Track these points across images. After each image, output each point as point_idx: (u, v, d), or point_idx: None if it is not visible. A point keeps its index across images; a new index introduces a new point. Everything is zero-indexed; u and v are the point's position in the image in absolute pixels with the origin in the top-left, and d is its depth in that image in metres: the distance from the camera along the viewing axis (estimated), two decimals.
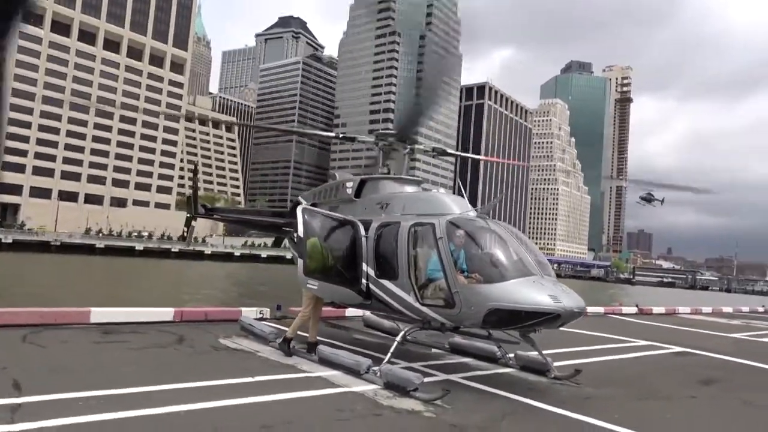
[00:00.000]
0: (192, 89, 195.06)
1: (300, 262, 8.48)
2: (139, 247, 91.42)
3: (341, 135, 10.17)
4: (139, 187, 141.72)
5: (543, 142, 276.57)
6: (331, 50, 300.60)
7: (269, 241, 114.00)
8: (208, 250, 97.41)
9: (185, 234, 15.70)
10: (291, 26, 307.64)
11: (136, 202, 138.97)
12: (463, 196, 8.97)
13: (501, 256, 7.69)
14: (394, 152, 10.19)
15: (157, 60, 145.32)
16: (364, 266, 8.74)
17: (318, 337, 9.36)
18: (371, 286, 8.69)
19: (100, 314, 10.53)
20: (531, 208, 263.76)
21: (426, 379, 7.53)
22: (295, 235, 11.77)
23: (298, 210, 8.71)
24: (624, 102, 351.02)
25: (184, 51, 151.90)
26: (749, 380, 10.40)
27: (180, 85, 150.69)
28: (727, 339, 16.72)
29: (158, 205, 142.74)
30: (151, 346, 8.95)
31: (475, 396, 7.38)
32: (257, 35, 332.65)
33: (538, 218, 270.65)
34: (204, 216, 14.54)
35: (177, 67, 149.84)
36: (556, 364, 8.90)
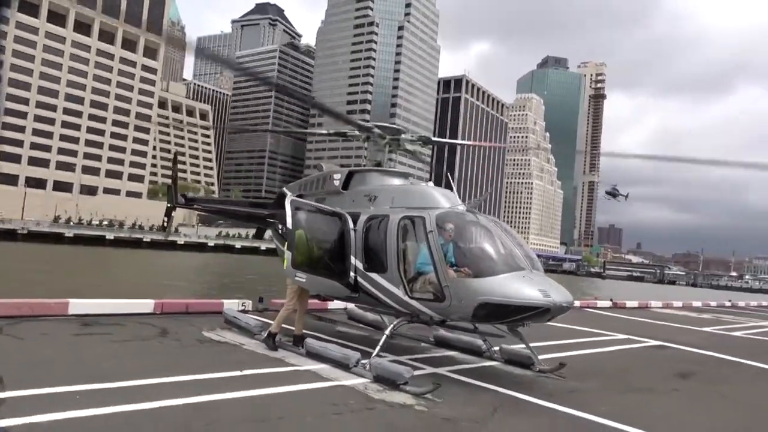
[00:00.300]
0: (165, 75, 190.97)
1: (288, 254, 8.38)
2: (109, 236, 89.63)
3: (332, 132, 10.03)
4: (110, 174, 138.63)
5: (518, 137, 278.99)
6: (308, 39, 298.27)
7: (243, 231, 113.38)
8: (181, 240, 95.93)
9: (165, 224, 15.43)
10: (268, 13, 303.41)
11: (106, 190, 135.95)
12: (452, 190, 8.97)
13: (491, 251, 7.72)
14: (380, 144, 10.12)
15: (129, 44, 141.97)
16: (353, 259, 8.69)
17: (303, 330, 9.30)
18: (359, 279, 8.65)
19: (78, 305, 10.28)
20: (506, 202, 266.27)
21: (414, 373, 7.54)
22: (279, 226, 11.74)
23: (287, 201, 8.59)
24: (598, 98, 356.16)
25: (157, 35, 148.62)
26: (725, 374, 10.69)
27: (153, 71, 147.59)
28: (701, 333, 17.17)
29: (130, 194, 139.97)
30: (134, 339, 8.77)
31: (464, 389, 7.42)
32: (233, 21, 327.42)
33: (512, 212, 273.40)
34: (184, 206, 14.27)
35: (150, 52, 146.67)
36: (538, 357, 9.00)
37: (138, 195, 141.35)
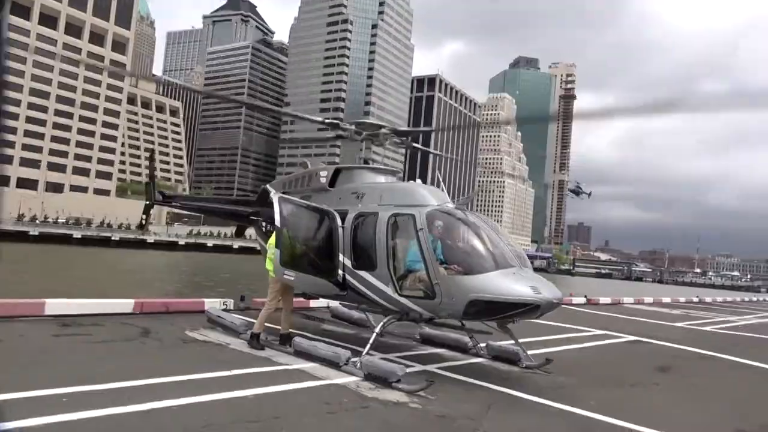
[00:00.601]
0: (135, 70, 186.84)
1: (276, 252, 8.29)
2: (76, 234, 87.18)
3: (327, 120, 9.91)
4: (77, 171, 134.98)
5: (491, 136, 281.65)
6: (281, 36, 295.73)
7: (215, 230, 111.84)
8: (150, 239, 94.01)
9: (143, 221, 15.09)
10: (240, 9, 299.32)
11: (73, 188, 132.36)
12: (441, 188, 8.98)
13: (482, 248, 7.74)
14: (367, 142, 10.07)
15: (97, 38, 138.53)
16: (341, 257, 8.63)
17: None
18: (348, 277, 8.60)
19: (55, 306, 9.98)
20: (478, 200, 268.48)
21: (407, 370, 7.53)
22: (263, 224, 11.61)
23: (275, 199, 8.48)
24: (568, 98, 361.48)
25: (126, 30, 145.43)
26: (701, 367, 10.98)
27: (122, 66, 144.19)
28: (674, 328, 17.60)
29: (97, 191, 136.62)
30: (116, 340, 8.56)
31: (456, 387, 7.44)
32: (205, 17, 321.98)
33: (484, 210, 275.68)
34: (162, 203, 13.97)
35: (119, 46, 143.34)
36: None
37: (106, 193, 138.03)
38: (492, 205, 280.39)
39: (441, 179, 9.62)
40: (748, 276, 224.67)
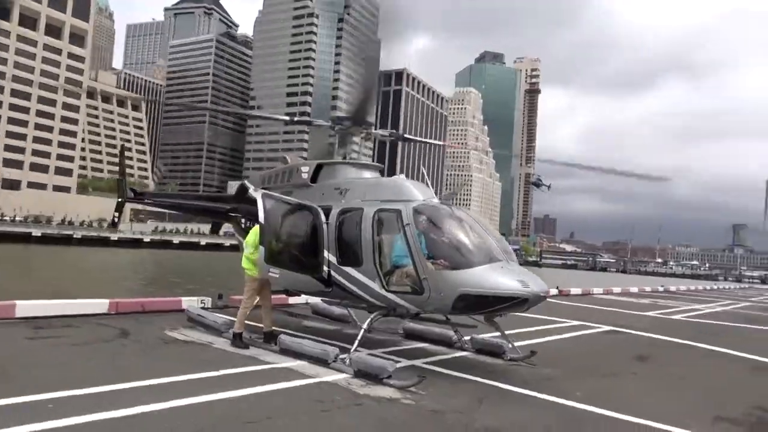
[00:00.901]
0: (94, 64, 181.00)
1: (261, 249, 8.15)
2: (36, 233, 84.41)
3: (295, 119, 9.79)
4: (35, 168, 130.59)
5: (458, 130, 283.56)
6: (245, 29, 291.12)
7: (181, 227, 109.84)
8: (114, 236, 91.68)
9: (115, 219, 14.64)
10: (203, 1, 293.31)
11: (31, 185, 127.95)
12: (426, 184, 8.97)
13: (469, 243, 7.76)
14: (350, 137, 10.00)
15: (54, 30, 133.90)
16: (326, 253, 8.54)
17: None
18: (333, 273, 8.51)
19: (26, 308, 9.61)
20: (446, 193, 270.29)
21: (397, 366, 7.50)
22: (243, 221, 11.41)
23: (258, 195, 8.34)
24: (533, 93, 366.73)
25: (84, 22, 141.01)
26: (676, 356, 11.31)
27: (81, 59, 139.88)
28: (645, 317, 18.06)
29: (57, 188, 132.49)
30: (94, 341, 8.29)
31: (445, 381, 7.45)
32: (166, 9, 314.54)
33: (452, 203, 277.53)
34: (134, 200, 13.61)
35: (77, 39, 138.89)
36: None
37: (66, 189, 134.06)
38: (460, 199, 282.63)
39: (426, 173, 9.59)
40: (707, 265, 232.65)
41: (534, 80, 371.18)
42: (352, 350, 7.66)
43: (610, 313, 18.42)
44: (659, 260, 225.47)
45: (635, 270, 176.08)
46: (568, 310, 17.86)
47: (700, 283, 64.20)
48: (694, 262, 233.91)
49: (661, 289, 36.89)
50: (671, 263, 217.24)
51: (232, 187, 13.27)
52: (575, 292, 26.00)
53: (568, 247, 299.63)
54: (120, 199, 13.40)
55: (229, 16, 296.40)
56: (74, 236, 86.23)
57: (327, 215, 8.65)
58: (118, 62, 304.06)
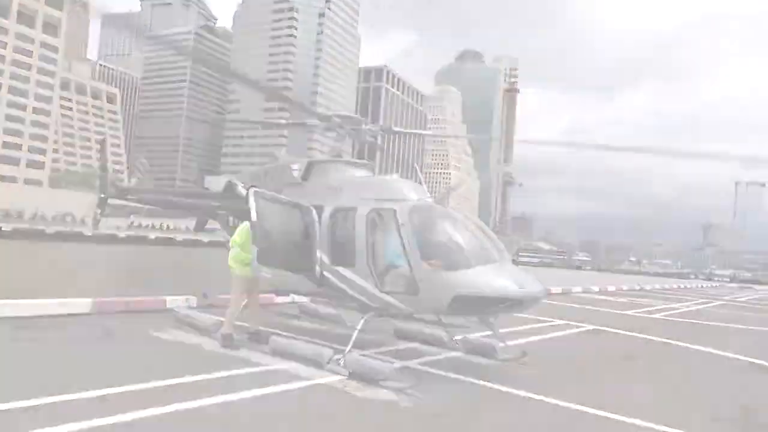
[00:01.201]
0: (68, 54, 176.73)
1: (253, 248, 7.99)
2: (6, 227, 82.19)
3: (291, 122, 9.67)
4: (5, 160, 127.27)
5: (437, 128, 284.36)
6: (224, 22, 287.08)
7: (158, 222, 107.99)
8: (88, 231, 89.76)
9: (97, 216, 14.23)
10: None
11: (0, 178, 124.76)
12: (420, 182, 8.90)
13: (464, 243, 7.73)
14: (341, 134, 9.88)
15: (26, 19, 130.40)
16: (319, 253, 8.42)
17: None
18: (326, 273, 8.40)
19: (5, 307, 9.28)
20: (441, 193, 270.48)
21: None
22: (230, 218, 11.22)
23: (249, 193, 8.17)
24: (512, 92, 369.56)
25: (58, 10, 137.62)
26: (662, 355, 11.48)
27: (54, 49, 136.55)
28: (626, 316, 18.32)
29: (29, 182, 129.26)
30: (79, 343, 8.05)
31: (441, 382, 7.41)
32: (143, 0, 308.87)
33: (447, 203, 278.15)
34: (117, 196, 13.27)
35: (50, 28, 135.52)
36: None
37: (38, 183, 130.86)
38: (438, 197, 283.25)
39: (419, 172, 9.53)
40: (679, 263, 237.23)
41: (513, 79, 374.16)
42: (346, 351, 7.57)
43: (591, 312, 18.63)
44: (633, 259, 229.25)
45: (609, 268, 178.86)
46: (552, 309, 17.91)
47: (673, 282, 65.38)
48: (667, 261, 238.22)
49: (637, 288, 37.49)
50: (644, 262, 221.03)
51: (210, 182, 13.01)
52: (555, 290, 26.18)
53: (545, 246, 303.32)
54: (102, 195, 13.06)
55: (208, 8, 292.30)
56: (46, 231, 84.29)
57: (319, 214, 8.54)
58: (93, 53, 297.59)
